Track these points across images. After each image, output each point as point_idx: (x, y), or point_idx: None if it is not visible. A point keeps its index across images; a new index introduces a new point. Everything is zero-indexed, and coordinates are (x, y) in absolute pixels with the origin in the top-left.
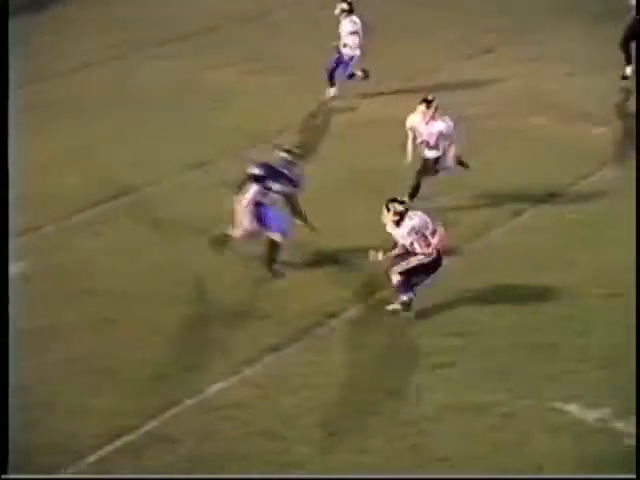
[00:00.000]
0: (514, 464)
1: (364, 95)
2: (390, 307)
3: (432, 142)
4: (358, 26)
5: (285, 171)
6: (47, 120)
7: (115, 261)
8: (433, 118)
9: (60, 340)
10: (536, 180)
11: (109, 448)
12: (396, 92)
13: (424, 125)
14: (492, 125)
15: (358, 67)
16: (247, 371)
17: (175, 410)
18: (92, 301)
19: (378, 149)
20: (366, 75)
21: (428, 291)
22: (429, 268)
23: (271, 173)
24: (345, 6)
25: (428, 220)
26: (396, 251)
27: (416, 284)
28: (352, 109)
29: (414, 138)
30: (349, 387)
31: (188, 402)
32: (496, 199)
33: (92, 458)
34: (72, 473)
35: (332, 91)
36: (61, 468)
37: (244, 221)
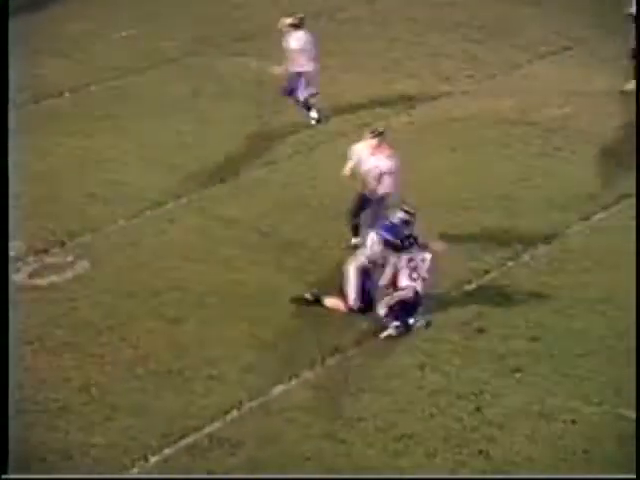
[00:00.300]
0: (580, 471)
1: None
2: (384, 334)
3: (373, 176)
4: (303, 42)
5: (405, 231)
6: (115, 117)
7: (181, 260)
8: (379, 152)
9: (124, 339)
10: (607, 184)
11: (171, 450)
12: (468, 92)
13: (369, 156)
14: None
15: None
16: (308, 373)
17: (236, 412)
18: (156, 301)
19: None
20: (319, 120)
21: (503, 294)
22: (413, 303)
23: (398, 235)
24: (292, 20)
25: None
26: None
27: (402, 315)
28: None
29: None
30: (414, 390)
31: (250, 404)
32: (566, 202)
33: (154, 459)
34: (134, 474)
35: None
36: (124, 469)
37: (350, 292)
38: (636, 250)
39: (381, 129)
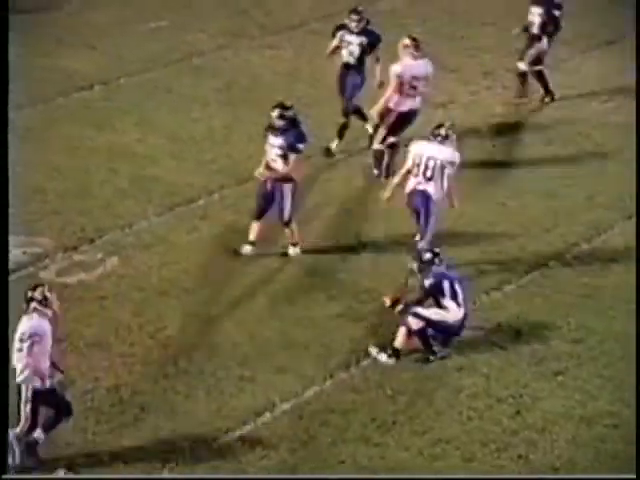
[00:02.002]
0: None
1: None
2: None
3: None
4: None
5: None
6: (145, 111)
7: (213, 257)
8: None
9: (155, 339)
10: None
11: (202, 452)
12: (508, 87)
13: None
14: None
15: None
16: (343, 375)
17: (269, 414)
18: (188, 299)
19: None
20: None
21: (544, 294)
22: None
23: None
24: None
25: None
26: None
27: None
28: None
29: None
30: (452, 393)
31: (283, 406)
32: (609, 200)
33: (184, 462)
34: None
35: None
36: (153, 471)
37: None
38: (636, 256)
39: None
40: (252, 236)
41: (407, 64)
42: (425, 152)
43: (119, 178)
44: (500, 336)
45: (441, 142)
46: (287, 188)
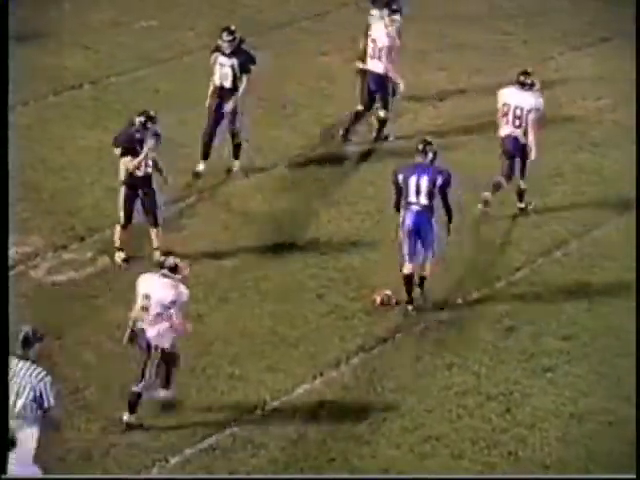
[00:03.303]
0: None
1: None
2: None
3: None
4: None
5: None
6: (135, 110)
7: (203, 255)
8: None
9: None
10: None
11: (192, 450)
12: (500, 85)
13: None
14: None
15: None
16: (333, 372)
17: (260, 412)
18: None
19: None
20: None
21: (534, 291)
22: None
23: None
24: None
25: None
26: None
27: None
28: None
29: None
30: (442, 391)
31: (273, 404)
32: (600, 197)
33: (175, 460)
34: (155, 474)
35: None
36: (144, 469)
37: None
38: (636, 254)
39: None
40: (118, 243)
41: (379, 30)
42: (512, 101)
43: (109, 177)
44: (490, 333)
45: (527, 90)
46: (155, 191)
